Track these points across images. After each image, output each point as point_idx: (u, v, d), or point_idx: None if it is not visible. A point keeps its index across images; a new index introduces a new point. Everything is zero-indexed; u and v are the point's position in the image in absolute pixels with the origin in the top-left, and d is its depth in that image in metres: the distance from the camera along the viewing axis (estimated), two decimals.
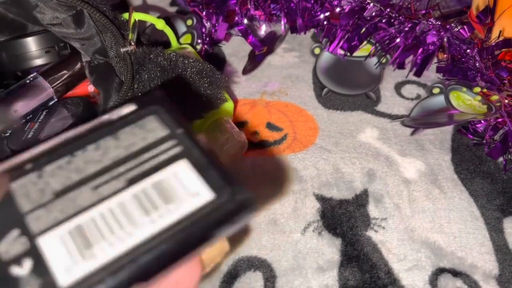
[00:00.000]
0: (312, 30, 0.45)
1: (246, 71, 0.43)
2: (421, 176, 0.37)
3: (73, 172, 0.17)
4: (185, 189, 0.16)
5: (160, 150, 0.17)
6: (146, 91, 0.19)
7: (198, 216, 0.16)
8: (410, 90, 0.42)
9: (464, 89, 0.37)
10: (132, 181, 0.16)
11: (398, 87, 0.42)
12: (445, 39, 0.39)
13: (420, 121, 0.38)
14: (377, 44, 0.41)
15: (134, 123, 0.18)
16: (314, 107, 0.41)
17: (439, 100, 0.38)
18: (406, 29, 0.40)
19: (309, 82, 0.43)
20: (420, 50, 0.41)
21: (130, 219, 0.15)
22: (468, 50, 0.38)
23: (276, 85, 0.42)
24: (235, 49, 0.45)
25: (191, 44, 0.43)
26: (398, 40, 0.40)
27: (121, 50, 0.36)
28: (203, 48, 0.43)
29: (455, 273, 0.32)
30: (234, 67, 0.43)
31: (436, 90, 0.39)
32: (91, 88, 0.41)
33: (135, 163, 0.17)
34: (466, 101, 0.37)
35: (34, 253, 0.15)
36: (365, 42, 0.41)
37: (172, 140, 0.17)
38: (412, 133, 0.38)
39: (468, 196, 0.36)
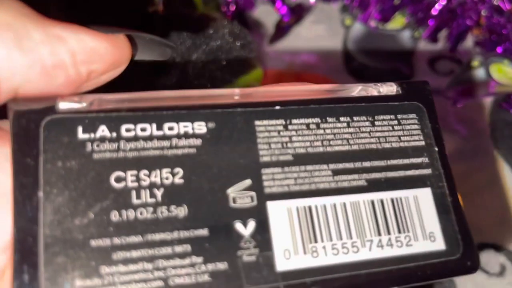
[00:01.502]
0: (341, 4, 0.44)
1: (272, 40, 0.41)
2: (458, 151, 0.36)
3: (318, 139, 0.15)
4: (421, 225, 0.15)
5: (410, 162, 0.15)
6: (413, 82, 0.17)
7: (422, 264, 0.14)
8: (444, 65, 0.41)
9: (506, 61, 0.36)
10: (373, 184, 0.15)
11: (432, 61, 0.41)
12: (483, 13, 0.38)
13: (458, 93, 0.37)
14: (411, 17, 0.40)
15: (394, 113, 0.16)
16: (345, 80, 0.40)
17: (478, 73, 0.37)
18: (442, 1, 0.38)
19: (339, 54, 0.41)
20: (455, 24, 0.39)
21: (360, 230, 0.14)
22: (508, 24, 0.37)
23: (305, 56, 0.41)
24: (261, 19, 0.43)
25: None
26: (433, 12, 0.39)
27: (149, 9, 0.34)
28: (229, 17, 0.41)
29: (498, 249, 0.31)
30: (260, 36, 0.42)
31: (475, 63, 0.38)
32: None
33: (381, 163, 0.15)
34: (508, 74, 0.35)
35: (259, 216, 0.14)
36: (398, 14, 0.40)
37: (424, 156, 0.16)
38: (453, 104, 0.37)
39: (509, 172, 0.35)
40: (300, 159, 0.14)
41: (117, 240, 0.13)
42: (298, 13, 0.43)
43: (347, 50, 0.42)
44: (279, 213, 0.14)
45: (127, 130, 0.14)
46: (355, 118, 0.15)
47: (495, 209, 0.33)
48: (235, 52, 0.34)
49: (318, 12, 0.45)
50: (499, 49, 0.38)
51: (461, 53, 0.42)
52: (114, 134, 0.14)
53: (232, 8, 0.42)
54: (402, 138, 0.16)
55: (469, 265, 0.15)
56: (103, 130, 0.14)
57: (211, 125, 0.14)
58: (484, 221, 0.33)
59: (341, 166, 0.15)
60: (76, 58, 0.14)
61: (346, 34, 0.43)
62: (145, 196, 0.13)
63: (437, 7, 0.40)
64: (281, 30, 0.42)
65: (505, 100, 0.38)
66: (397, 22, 0.42)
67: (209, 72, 0.33)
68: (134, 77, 0.33)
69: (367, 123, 0.15)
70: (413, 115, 0.16)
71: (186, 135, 0.14)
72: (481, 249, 0.32)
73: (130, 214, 0.13)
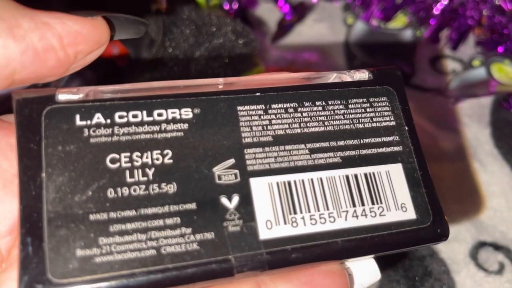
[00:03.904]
0: (343, 2, 0.44)
1: (275, 38, 0.42)
2: (459, 150, 0.36)
3: (296, 122, 0.16)
4: (394, 197, 0.16)
5: (382, 141, 0.17)
6: (383, 68, 0.18)
7: (395, 232, 0.16)
8: (445, 64, 0.42)
9: (507, 61, 0.36)
10: (347, 161, 0.16)
11: (433, 60, 0.42)
12: (484, 12, 0.39)
13: (459, 92, 0.38)
14: (412, 16, 0.40)
15: (366, 97, 0.17)
16: None
17: (479, 72, 0.38)
18: (443, 0, 0.39)
19: (341, 52, 0.42)
20: (457, 23, 0.40)
21: (336, 202, 0.16)
22: (509, 24, 0.38)
23: (307, 54, 0.42)
24: (264, 17, 0.44)
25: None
26: (434, 12, 0.39)
27: (152, 7, 0.35)
28: (231, 15, 0.42)
29: (496, 247, 0.32)
30: (262, 34, 0.43)
31: (476, 63, 0.38)
32: (116, 50, 0.40)
33: (355, 142, 0.17)
34: (509, 73, 0.36)
35: (243, 191, 0.15)
36: (400, 13, 0.40)
37: (395, 135, 0.17)
38: (454, 103, 0.37)
39: (509, 171, 0.35)
40: (280, 140, 0.16)
41: (113, 214, 0.14)
42: (300, 12, 0.44)
43: (349, 48, 0.43)
44: (261, 188, 0.15)
45: (120, 117, 0.15)
46: (329, 102, 0.17)
47: (496, 208, 0.34)
48: (237, 50, 0.35)
49: (320, 11, 0.46)
50: (500, 49, 0.39)
51: (462, 52, 0.42)
52: (109, 121, 0.15)
53: (235, 6, 0.43)
54: (374, 119, 0.17)
55: (439, 233, 0.16)
56: (98, 117, 0.15)
57: (197, 111, 0.16)
58: (488, 219, 0.34)
59: (317, 145, 0.16)
60: (63, 41, 0.15)
61: (348, 32, 0.44)
62: (138, 175, 0.15)
63: (439, 6, 0.40)
64: (284, 28, 0.43)
65: (505, 100, 0.39)
66: (399, 21, 0.43)
67: (211, 70, 0.34)
68: (135, 75, 0.34)
69: (341, 106, 0.17)
70: (384, 98, 0.17)
71: (174, 120, 0.15)
72: (480, 247, 0.32)
73: (125, 191, 0.14)
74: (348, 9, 0.45)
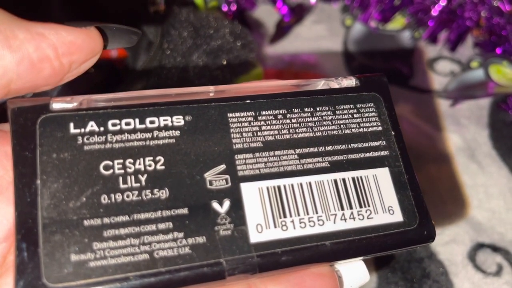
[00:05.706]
0: (342, 4, 0.44)
1: (273, 40, 0.42)
2: (457, 151, 0.36)
3: (285, 128, 0.17)
4: (381, 200, 0.17)
5: (369, 145, 0.17)
6: (370, 75, 0.19)
7: (382, 234, 0.16)
8: (444, 66, 0.42)
9: (505, 62, 0.36)
10: (335, 166, 0.17)
11: (431, 62, 0.42)
12: (483, 14, 0.39)
13: (457, 94, 0.38)
14: (411, 17, 0.41)
15: (353, 103, 0.18)
16: None
17: (477, 74, 0.38)
18: (442, 2, 0.39)
19: (339, 54, 0.42)
20: (455, 25, 0.40)
21: (325, 205, 0.16)
22: (507, 25, 0.38)
23: (305, 56, 0.42)
24: (262, 18, 0.44)
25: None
26: (433, 13, 0.40)
27: (151, 9, 0.36)
28: (230, 17, 0.42)
29: (495, 249, 0.32)
30: (260, 36, 0.43)
31: (474, 64, 0.39)
32: (114, 53, 0.40)
33: (343, 147, 0.17)
34: (507, 75, 0.36)
35: (234, 196, 0.16)
36: (398, 14, 0.41)
37: (382, 140, 0.17)
38: (452, 105, 0.37)
39: (507, 172, 0.35)
40: (269, 146, 0.16)
41: (107, 220, 0.14)
42: (298, 13, 0.44)
43: (347, 50, 0.43)
44: (251, 193, 0.16)
45: (113, 124, 0.16)
46: (318, 108, 0.17)
47: (494, 210, 0.34)
48: (235, 52, 0.35)
49: (318, 12, 0.46)
50: (498, 50, 0.39)
51: (461, 53, 0.42)
52: (102, 129, 0.15)
53: (233, 7, 0.43)
54: (361, 125, 0.17)
55: (426, 234, 0.16)
56: (92, 125, 0.15)
57: (188, 118, 0.16)
58: (486, 221, 0.34)
59: (306, 150, 0.17)
60: (58, 51, 0.15)
61: (347, 34, 0.44)
62: (131, 181, 0.15)
63: (437, 8, 0.41)
64: (282, 30, 0.44)
65: (503, 101, 0.39)
66: (397, 22, 0.43)
67: (209, 72, 0.35)
68: (134, 79, 0.35)
69: (329, 112, 0.17)
70: (371, 104, 0.18)
71: (166, 128, 0.16)
72: (478, 248, 0.32)
73: (118, 197, 0.15)
74: (347, 10, 0.45)
